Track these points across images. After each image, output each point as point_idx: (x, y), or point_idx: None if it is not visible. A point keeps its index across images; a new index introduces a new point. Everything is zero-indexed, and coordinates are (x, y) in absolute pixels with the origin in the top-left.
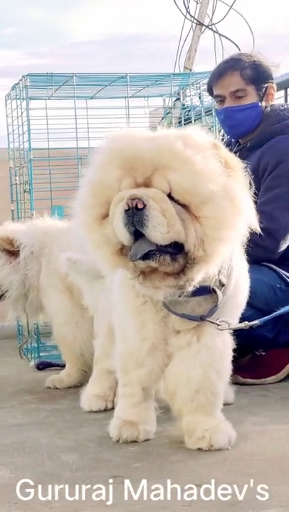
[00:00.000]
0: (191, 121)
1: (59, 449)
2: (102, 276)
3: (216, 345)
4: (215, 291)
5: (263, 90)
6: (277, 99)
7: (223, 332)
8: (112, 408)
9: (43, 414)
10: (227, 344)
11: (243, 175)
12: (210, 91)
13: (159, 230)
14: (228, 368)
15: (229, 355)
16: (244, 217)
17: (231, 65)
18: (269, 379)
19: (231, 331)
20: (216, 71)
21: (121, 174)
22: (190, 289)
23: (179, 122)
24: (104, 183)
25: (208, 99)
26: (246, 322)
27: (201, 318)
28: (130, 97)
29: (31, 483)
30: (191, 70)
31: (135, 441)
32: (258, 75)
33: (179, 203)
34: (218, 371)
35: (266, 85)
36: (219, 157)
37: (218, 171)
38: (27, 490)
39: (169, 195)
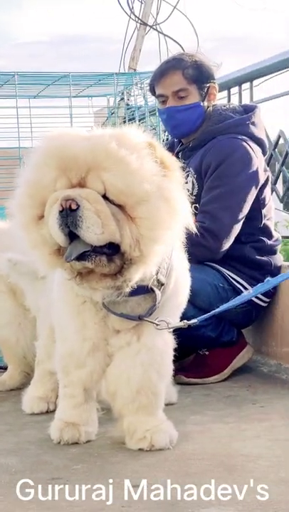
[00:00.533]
0: (135, 121)
1: None
2: (43, 277)
3: (156, 344)
4: (153, 291)
5: (205, 90)
6: (221, 99)
7: (164, 331)
8: (54, 410)
9: None
10: (168, 344)
11: (180, 175)
12: (152, 91)
13: (94, 230)
14: (169, 367)
15: (170, 355)
16: (180, 218)
17: (173, 65)
18: (212, 378)
19: (172, 331)
20: (158, 71)
21: (56, 174)
22: (128, 289)
23: (124, 122)
24: (40, 183)
25: (152, 100)
26: (185, 321)
27: (140, 318)
28: (73, 96)
29: None
30: (135, 70)
31: (76, 443)
32: (200, 75)
33: (114, 203)
34: (158, 371)
35: (208, 85)
36: (155, 157)
37: (153, 171)
38: None
39: (104, 196)
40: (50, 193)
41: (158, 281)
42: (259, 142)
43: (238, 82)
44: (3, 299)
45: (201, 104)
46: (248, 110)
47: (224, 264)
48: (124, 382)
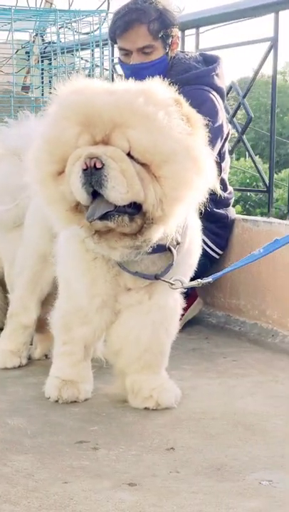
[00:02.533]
0: (50, 59)
1: None
2: (17, 227)
3: (168, 303)
4: (170, 250)
5: (169, 41)
6: None
7: (175, 291)
8: (25, 365)
9: None
10: (178, 303)
11: (205, 132)
12: (113, 40)
13: (118, 190)
14: (176, 326)
15: (179, 314)
16: (205, 178)
17: (138, 18)
18: None
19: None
20: (120, 22)
21: (79, 130)
22: (147, 249)
23: (41, 60)
24: (60, 138)
25: (69, 39)
26: (199, 280)
27: (156, 277)
28: None
29: None
30: (52, 4)
31: (75, 402)
32: (164, 26)
33: (139, 162)
34: (167, 329)
35: (172, 34)
36: (181, 113)
37: (180, 129)
38: None
39: (128, 154)
40: (71, 150)
41: (175, 240)
42: (221, 93)
43: (183, 27)
44: None
45: (166, 56)
46: (209, 60)
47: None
48: (133, 341)
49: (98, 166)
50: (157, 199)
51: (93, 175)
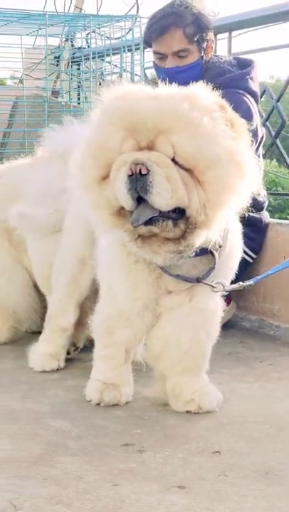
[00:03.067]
0: (79, 64)
1: (39, 414)
2: (55, 232)
3: (209, 306)
4: (212, 253)
5: (204, 44)
6: None
7: (215, 294)
8: (64, 368)
9: None
10: (218, 305)
11: (248, 137)
12: (148, 44)
13: (163, 196)
14: (217, 328)
15: (219, 317)
16: (248, 183)
17: (174, 22)
18: None
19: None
20: (157, 26)
21: (123, 136)
22: (190, 253)
23: (68, 64)
24: (105, 144)
25: (98, 44)
26: (240, 283)
27: (197, 280)
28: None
29: (42, 455)
30: (81, 9)
31: (116, 405)
32: (200, 30)
33: (183, 168)
34: (208, 332)
35: (207, 38)
36: (225, 119)
37: (224, 134)
38: (47, 463)
39: (173, 159)
40: (115, 155)
41: (216, 243)
42: (255, 96)
43: (216, 31)
44: None
45: (200, 60)
46: (243, 63)
47: None
48: (174, 344)
49: (143, 172)
50: (201, 204)
51: (138, 181)
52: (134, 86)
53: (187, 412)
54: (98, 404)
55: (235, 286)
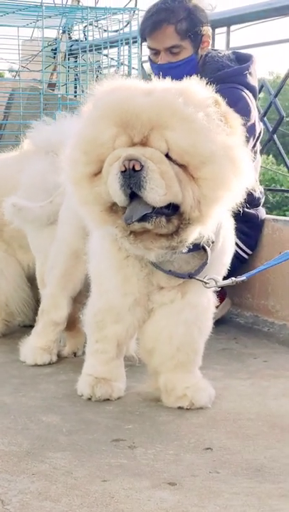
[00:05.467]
0: (76, 56)
1: (30, 408)
2: (50, 224)
3: (201, 302)
4: (204, 249)
5: (199, 40)
6: None
7: (208, 290)
8: (56, 362)
9: None
10: (211, 301)
11: (242, 133)
12: (143, 38)
13: (157, 192)
14: (210, 324)
15: (212, 313)
16: (243, 179)
17: (166, 18)
18: None
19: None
20: (149, 22)
21: (116, 131)
22: (182, 250)
23: (65, 56)
24: (97, 139)
25: (95, 37)
26: (233, 278)
27: (190, 276)
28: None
29: (32, 449)
30: (79, 1)
31: (108, 400)
32: (193, 26)
33: (177, 163)
34: (200, 328)
35: (202, 33)
36: (220, 114)
37: (218, 130)
38: (36, 458)
39: (167, 155)
40: (108, 151)
41: (209, 239)
42: (254, 92)
43: (214, 25)
44: None
45: (195, 56)
46: (241, 58)
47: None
48: (165, 340)
49: (137, 168)
50: (195, 200)
51: (132, 177)
52: (127, 80)
53: (179, 407)
54: (89, 398)
55: (228, 281)
